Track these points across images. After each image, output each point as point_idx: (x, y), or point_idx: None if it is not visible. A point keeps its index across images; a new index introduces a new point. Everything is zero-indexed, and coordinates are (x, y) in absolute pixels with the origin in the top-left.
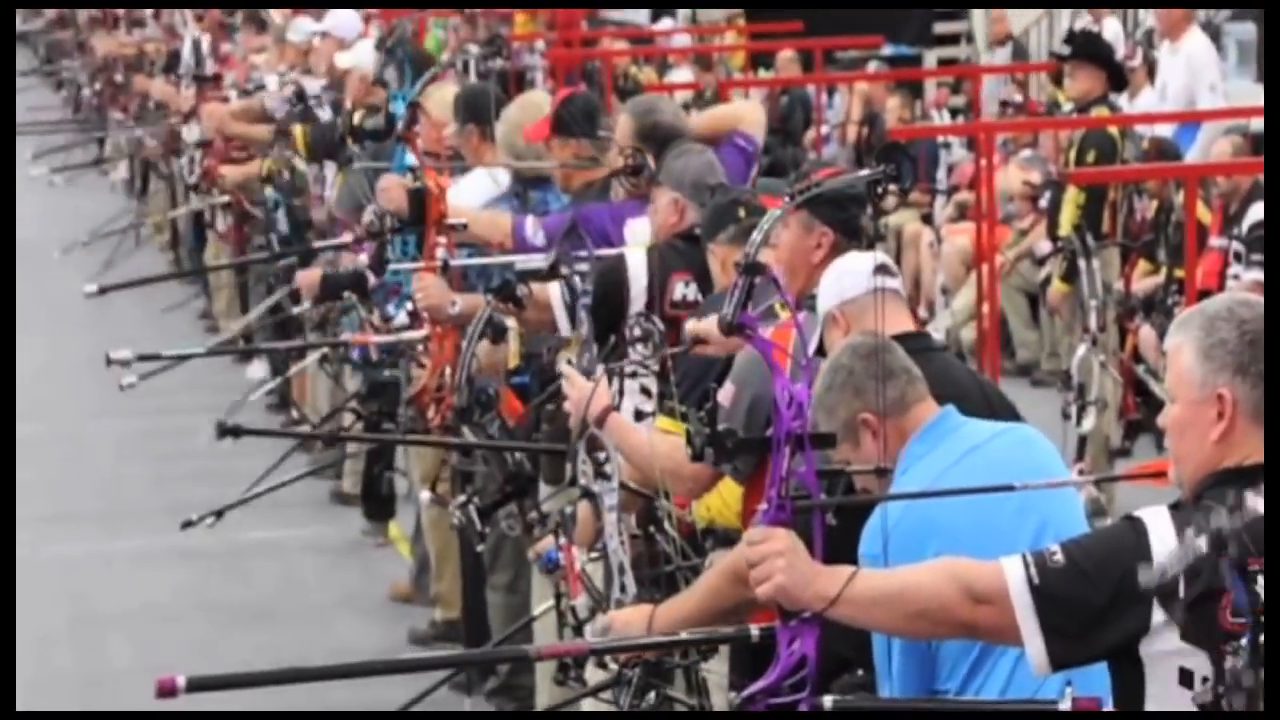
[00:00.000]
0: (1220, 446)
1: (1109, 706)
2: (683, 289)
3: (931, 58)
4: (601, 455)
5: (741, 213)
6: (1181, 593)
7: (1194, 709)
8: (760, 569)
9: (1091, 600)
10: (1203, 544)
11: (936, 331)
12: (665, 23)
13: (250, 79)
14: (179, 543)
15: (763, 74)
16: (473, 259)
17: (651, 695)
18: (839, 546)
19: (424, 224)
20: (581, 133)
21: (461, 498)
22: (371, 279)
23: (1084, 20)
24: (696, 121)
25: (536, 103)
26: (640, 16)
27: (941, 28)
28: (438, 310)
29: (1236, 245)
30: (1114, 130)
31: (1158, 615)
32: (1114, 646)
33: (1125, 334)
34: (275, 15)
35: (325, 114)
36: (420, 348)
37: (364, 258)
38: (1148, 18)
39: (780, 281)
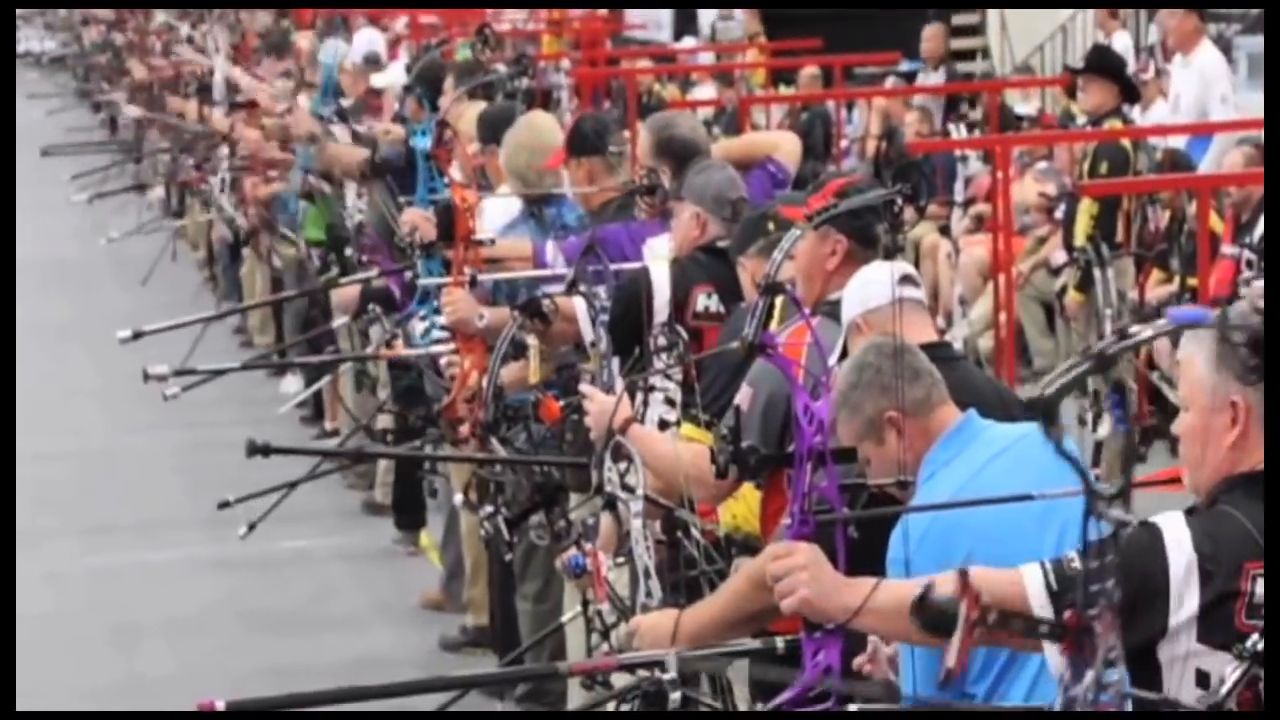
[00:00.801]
0: (1233, 453)
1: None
2: (705, 300)
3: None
4: (624, 466)
5: (771, 226)
6: (1198, 596)
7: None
8: (785, 583)
9: None
10: None
11: (955, 340)
12: (688, 41)
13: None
14: (216, 552)
15: (783, 90)
16: (499, 274)
17: (676, 695)
18: (861, 557)
19: (452, 240)
20: (593, 151)
21: (489, 509)
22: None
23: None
24: (733, 144)
25: (538, 124)
26: (663, 35)
27: (957, 44)
28: (466, 324)
29: (1248, 254)
30: (1126, 142)
31: (1174, 618)
32: (1131, 649)
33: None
34: (302, 40)
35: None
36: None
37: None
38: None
39: (798, 297)
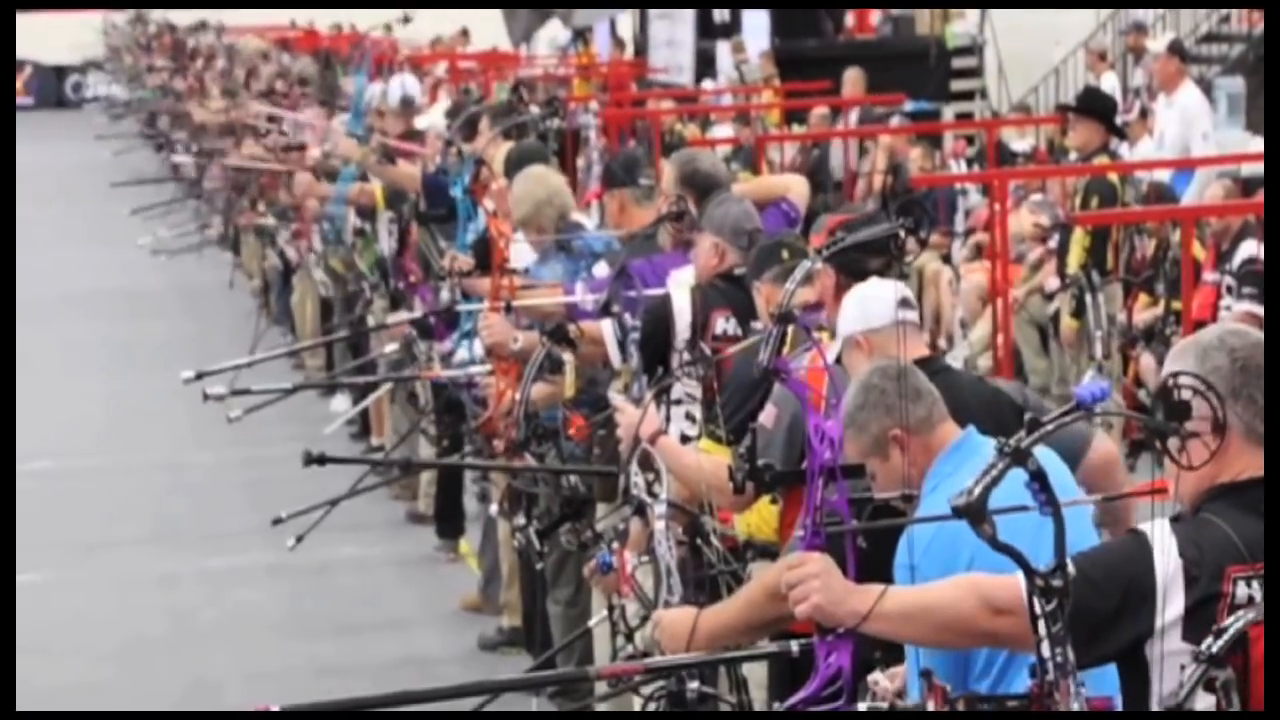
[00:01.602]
0: (1216, 464)
1: (1119, 706)
2: (723, 324)
3: (949, 112)
4: (650, 475)
5: (785, 254)
6: (1183, 598)
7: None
8: (798, 590)
9: (1099, 607)
10: None
11: (956, 360)
12: (708, 84)
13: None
14: (271, 560)
15: (796, 129)
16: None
17: (694, 686)
18: (869, 566)
19: (489, 269)
20: (625, 182)
21: (521, 520)
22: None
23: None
24: (750, 185)
25: (537, 175)
26: (684, 78)
27: (958, 85)
28: (501, 347)
29: (1228, 280)
30: (1114, 177)
31: (1160, 619)
32: (1120, 649)
33: (1128, 361)
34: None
35: None
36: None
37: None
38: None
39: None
